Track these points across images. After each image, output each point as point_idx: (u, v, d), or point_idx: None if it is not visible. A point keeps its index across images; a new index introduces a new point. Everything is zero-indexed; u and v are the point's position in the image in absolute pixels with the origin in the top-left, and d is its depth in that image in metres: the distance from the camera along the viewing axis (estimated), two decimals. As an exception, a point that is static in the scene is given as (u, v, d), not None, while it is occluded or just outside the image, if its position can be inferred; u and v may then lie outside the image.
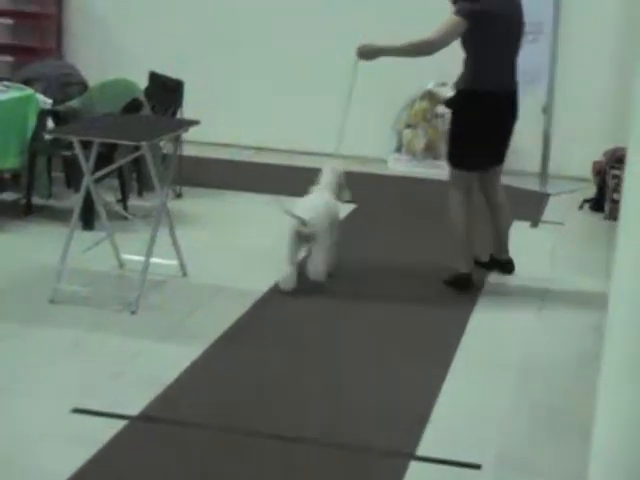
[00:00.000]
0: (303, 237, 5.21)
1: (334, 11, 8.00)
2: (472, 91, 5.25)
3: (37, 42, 8.39)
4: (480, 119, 5.24)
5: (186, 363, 4.26)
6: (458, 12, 5.12)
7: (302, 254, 5.33)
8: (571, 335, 4.78)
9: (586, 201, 7.15)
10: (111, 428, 3.69)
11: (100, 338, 4.52)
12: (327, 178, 5.47)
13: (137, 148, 5.27)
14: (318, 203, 5.29)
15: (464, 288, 5.32)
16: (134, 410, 3.83)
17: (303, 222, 5.13)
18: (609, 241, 6.41)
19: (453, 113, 5.40)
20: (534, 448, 3.71)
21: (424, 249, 5.97)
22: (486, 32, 5.13)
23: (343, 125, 5.41)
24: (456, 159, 5.36)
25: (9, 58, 8.51)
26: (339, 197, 5.49)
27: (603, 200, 6.99)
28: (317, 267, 5.26)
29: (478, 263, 5.53)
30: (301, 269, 5.26)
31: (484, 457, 3.60)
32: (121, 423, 3.73)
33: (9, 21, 8.51)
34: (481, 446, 3.69)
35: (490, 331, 4.84)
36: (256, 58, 8.22)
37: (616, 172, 6.87)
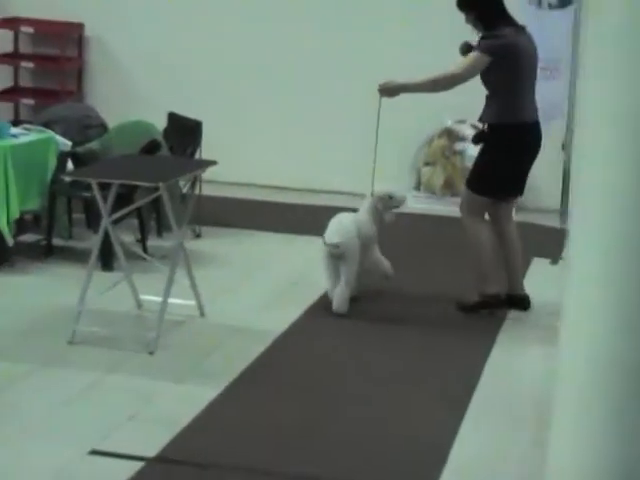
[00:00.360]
0: (336, 257, 5.39)
1: (350, 52, 8.05)
2: (501, 124, 5.37)
3: (58, 85, 8.49)
4: (511, 151, 5.37)
5: (204, 404, 4.26)
6: (480, 49, 5.24)
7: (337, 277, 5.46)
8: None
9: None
10: (128, 470, 3.69)
11: (118, 379, 4.54)
12: (365, 204, 5.64)
13: (156, 189, 5.32)
14: (346, 223, 5.42)
15: (494, 308, 5.40)
16: (151, 451, 3.84)
17: (335, 246, 5.34)
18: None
19: (483, 147, 5.48)
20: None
21: (444, 284, 5.96)
22: (509, 66, 5.27)
23: (375, 162, 5.52)
24: (480, 186, 5.44)
25: (30, 101, 8.62)
26: (381, 220, 5.62)
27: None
28: (341, 299, 5.37)
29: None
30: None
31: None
32: (138, 465, 3.74)
33: (30, 64, 8.62)
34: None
35: (509, 370, 4.82)
36: (274, 98, 8.27)
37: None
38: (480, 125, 5.63)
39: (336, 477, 3.68)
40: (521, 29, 5.41)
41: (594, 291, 2.56)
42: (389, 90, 5.41)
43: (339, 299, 5.37)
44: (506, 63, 5.26)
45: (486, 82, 5.37)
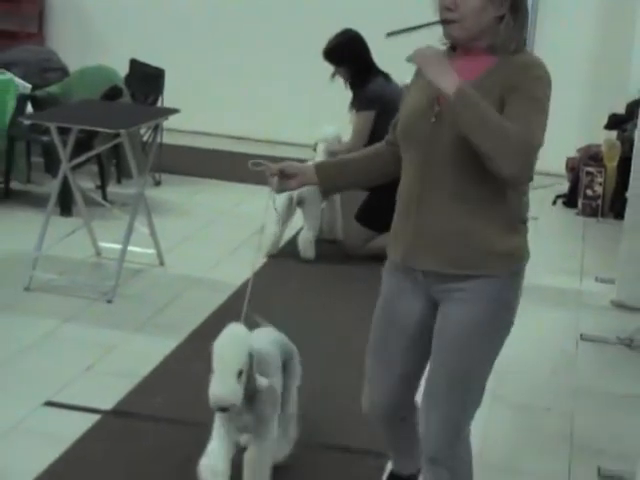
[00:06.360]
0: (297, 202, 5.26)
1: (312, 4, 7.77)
2: None
3: (18, 27, 8.07)
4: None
5: (162, 356, 4.02)
6: (361, 107, 5.35)
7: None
8: (547, 333, 4.59)
9: (559, 197, 6.99)
10: (84, 422, 3.46)
11: (75, 328, 4.27)
12: (319, 151, 5.37)
13: (116, 135, 5.03)
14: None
15: None
16: (107, 404, 3.60)
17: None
18: (583, 236, 6.25)
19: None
20: (515, 449, 3.52)
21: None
22: (390, 115, 5.16)
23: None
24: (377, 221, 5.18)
25: (-10, 42, 8.20)
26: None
27: (576, 196, 6.82)
28: (307, 244, 5.21)
29: None
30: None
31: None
32: (94, 417, 3.50)
33: (-9, 5, 8.19)
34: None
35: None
36: (239, 46, 7.95)
37: (590, 169, 6.70)
38: None
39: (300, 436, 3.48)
40: (388, 77, 5.29)
41: None
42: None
43: (304, 244, 5.22)
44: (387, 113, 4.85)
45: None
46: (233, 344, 2.83)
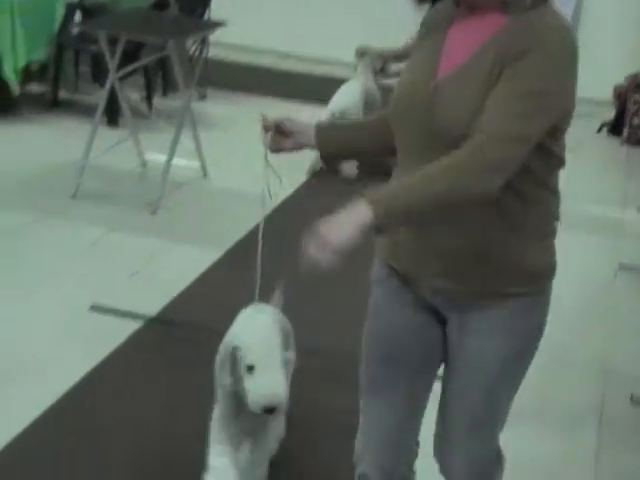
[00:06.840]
0: None
1: None
2: None
3: None
4: None
5: (203, 267, 4.07)
6: None
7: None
8: (586, 260, 4.56)
9: (604, 124, 6.86)
10: (127, 327, 3.52)
11: (119, 237, 4.32)
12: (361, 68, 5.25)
13: (163, 47, 5.00)
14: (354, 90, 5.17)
15: None
16: (150, 311, 3.66)
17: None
18: (626, 165, 6.15)
19: None
20: (549, 376, 3.54)
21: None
22: None
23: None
24: None
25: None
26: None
27: (622, 124, 6.69)
28: (350, 162, 5.17)
29: None
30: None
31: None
32: (137, 323, 3.57)
33: None
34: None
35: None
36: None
37: (638, 97, 6.56)
38: None
39: (345, 346, 3.52)
40: None
41: None
42: None
43: (346, 162, 5.20)
44: None
45: None
46: (271, 330, 2.29)
